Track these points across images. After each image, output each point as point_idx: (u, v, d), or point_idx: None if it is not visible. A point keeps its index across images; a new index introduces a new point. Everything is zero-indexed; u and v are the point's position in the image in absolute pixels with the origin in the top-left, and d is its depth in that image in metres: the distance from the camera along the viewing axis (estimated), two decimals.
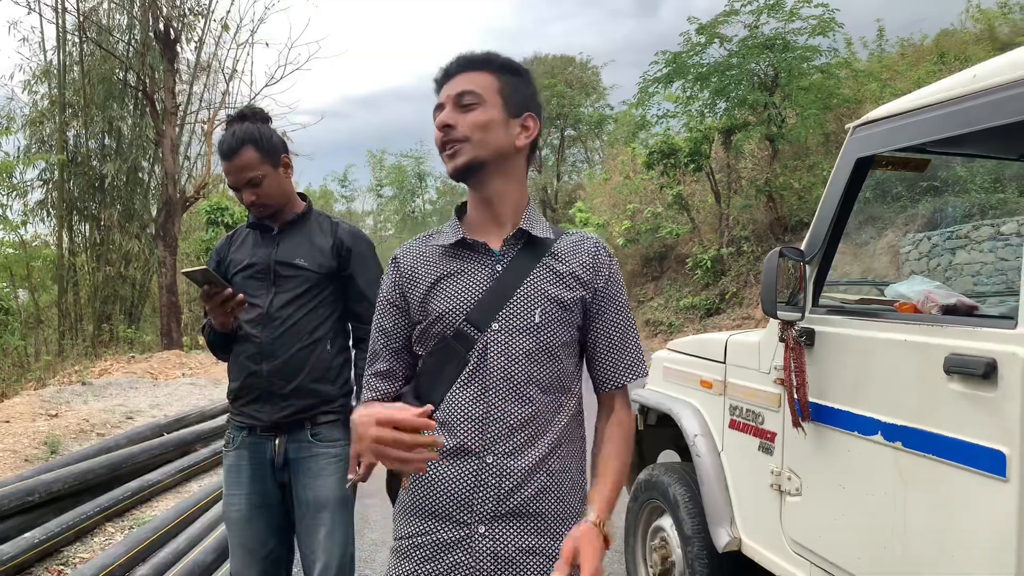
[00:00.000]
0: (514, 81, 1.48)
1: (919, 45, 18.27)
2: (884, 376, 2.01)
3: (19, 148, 17.87)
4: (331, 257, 2.43)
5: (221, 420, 7.26)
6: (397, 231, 51.72)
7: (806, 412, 2.23)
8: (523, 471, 1.40)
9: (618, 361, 1.53)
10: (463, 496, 1.39)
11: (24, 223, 17.85)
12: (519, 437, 1.40)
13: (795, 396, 2.25)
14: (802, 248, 2.37)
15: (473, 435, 1.40)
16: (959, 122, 1.87)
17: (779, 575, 2.46)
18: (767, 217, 16.58)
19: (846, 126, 2.35)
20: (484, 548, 1.38)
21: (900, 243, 12.10)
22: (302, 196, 2.55)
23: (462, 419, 1.41)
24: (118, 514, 4.88)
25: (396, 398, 1.53)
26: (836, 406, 2.17)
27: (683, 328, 16.79)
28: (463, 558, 1.39)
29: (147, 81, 16.70)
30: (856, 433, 2.09)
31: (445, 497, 1.41)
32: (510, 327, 1.42)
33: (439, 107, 1.47)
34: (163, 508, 5.09)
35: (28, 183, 17.79)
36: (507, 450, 1.40)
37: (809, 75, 14.80)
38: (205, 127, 19.23)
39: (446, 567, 1.39)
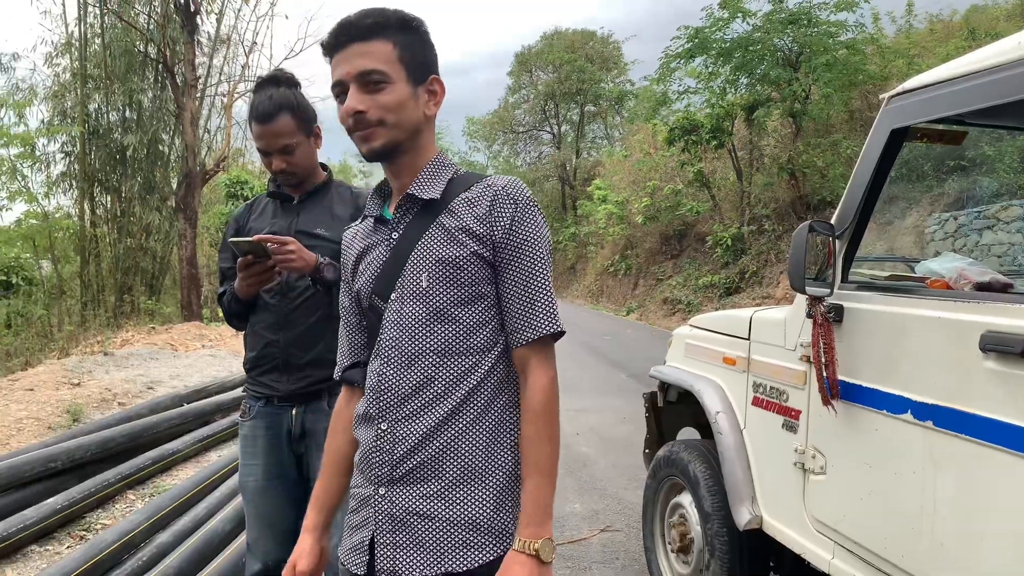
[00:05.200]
0: (411, 41, 1.41)
1: (948, 21, 17.87)
2: (916, 354, 1.96)
3: (42, 120, 17.98)
4: None
5: (240, 391, 7.31)
6: None
7: (835, 390, 2.18)
8: (416, 437, 1.39)
9: (519, 315, 1.41)
10: (367, 458, 1.45)
11: (47, 195, 18.03)
12: (412, 404, 1.40)
13: (824, 374, 2.20)
14: (832, 223, 2.31)
15: (372, 403, 1.44)
16: (1002, 91, 1.79)
17: (801, 554, 2.43)
18: (789, 195, 16.38)
19: (880, 96, 2.27)
20: (383, 509, 1.41)
21: (925, 222, 11.92)
22: (323, 166, 2.52)
23: (367, 388, 1.47)
24: (139, 482, 4.94)
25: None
26: (864, 384, 2.12)
27: (702, 307, 16.70)
28: (371, 514, 1.43)
29: (167, 53, 16.68)
30: (885, 411, 2.04)
31: (360, 458, 1.48)
32: (403, 295, 1.43)
33: (339, 85, 1.40)
34: (183, 477, 5.14)
35: (50, 155, 17.94)
36: (400, 416, 1.40)
37: (834, 51, 14.52)
38: (225, 100, 19.25)
39: (361, 520, 1.45)
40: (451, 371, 1.39)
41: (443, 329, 1.40)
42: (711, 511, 2.88)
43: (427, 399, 1.39)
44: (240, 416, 2.48)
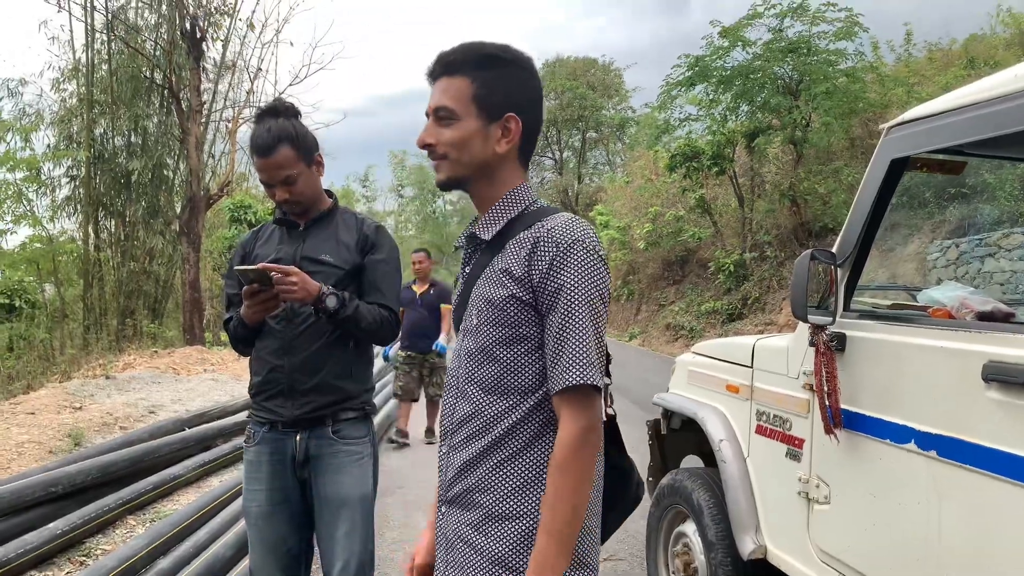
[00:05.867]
0: (492, 79, 1.45)
1: (947, 49, 18.02)
2: (918, 383, 1.96)
3: (48, 145, 18.13)
4: (357, 252, 2.42)
5: (242, 416, 7.29)
6: (418, 231, 51.91)
7: (838, 419, 2.18)
8: (461, 464, 1.46)
9: (550, 363, 1.37)
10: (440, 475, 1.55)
11: (52, 218, 18.13)
12: (461, 434, 1.47)
13: (827, 403, 2.20)
14: (833, 251, 2.33)
15: (440, 423, 1.56)
16: (1000, 123, 1.82)
17: None
18: (791, 222, 16.42)
19: (880, 126, 2.30)
20: (440, 526, 1.52)
21: (927, 250, 11.94)
22: (328, 193, 2.54)
23: None
24: (140, 507, 4.91)
25: None
26: (867, 413, 2.12)
27: (704, 333, 16.67)
28: (436, 524, 1.55)
29: (173, 79, 16.83)
30: (888, 441, 2.04)
31: None
32: (464, 328, 1.52)
33: (427, 115, 1.50)
34: (184, 502, 5.11)
35: (55, 179, 18.07)
36: (452, 444, 1.50)
37: (834, 79, 14.64)
38: (229, 125, 19.39)
39: (436, 527, 1.57)
40: (492, 408, 1.43)
41: (487, 366, 1.44)
42: (715, 540, 2.86)
43: (471, 432, 1.45)
44: (244, 441, 2.49)
